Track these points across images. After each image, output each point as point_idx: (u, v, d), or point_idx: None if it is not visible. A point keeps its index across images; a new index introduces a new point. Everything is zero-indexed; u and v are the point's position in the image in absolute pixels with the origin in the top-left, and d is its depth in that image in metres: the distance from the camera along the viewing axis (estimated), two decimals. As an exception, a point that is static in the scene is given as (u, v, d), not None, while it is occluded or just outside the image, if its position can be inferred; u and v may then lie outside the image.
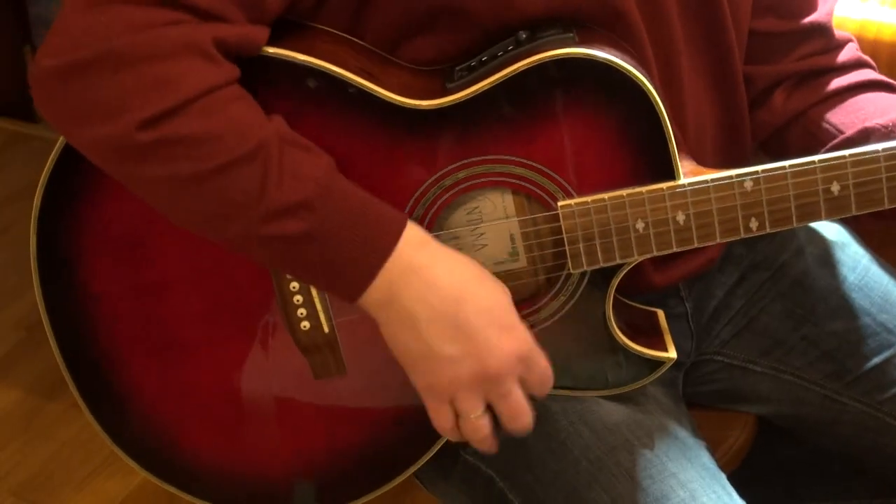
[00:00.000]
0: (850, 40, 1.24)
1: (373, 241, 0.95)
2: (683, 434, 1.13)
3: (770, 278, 1.27)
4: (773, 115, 1.23)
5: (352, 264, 0.96)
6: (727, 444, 1.29)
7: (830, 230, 1.30)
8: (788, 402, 1.27)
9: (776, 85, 1.23)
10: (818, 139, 1.19)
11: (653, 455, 1.07)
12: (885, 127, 1.14)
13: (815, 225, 1.30)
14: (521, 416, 1.01)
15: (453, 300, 0.97)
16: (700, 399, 1.30)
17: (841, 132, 1.17)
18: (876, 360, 1.22)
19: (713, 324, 1.28)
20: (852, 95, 1.20)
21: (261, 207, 0.93)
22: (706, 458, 1.11)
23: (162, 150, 0.92)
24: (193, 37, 0.92)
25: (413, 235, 0.97)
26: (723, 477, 1.11)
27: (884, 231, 1.42)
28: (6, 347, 2.20)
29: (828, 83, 1.21)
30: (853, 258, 1.27)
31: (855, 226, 1.32)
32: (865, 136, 1.15)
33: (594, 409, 1.11)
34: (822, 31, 1.22)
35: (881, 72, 1.25)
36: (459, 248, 1.06)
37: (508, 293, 1.01)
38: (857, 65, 1.22)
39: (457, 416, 1.01)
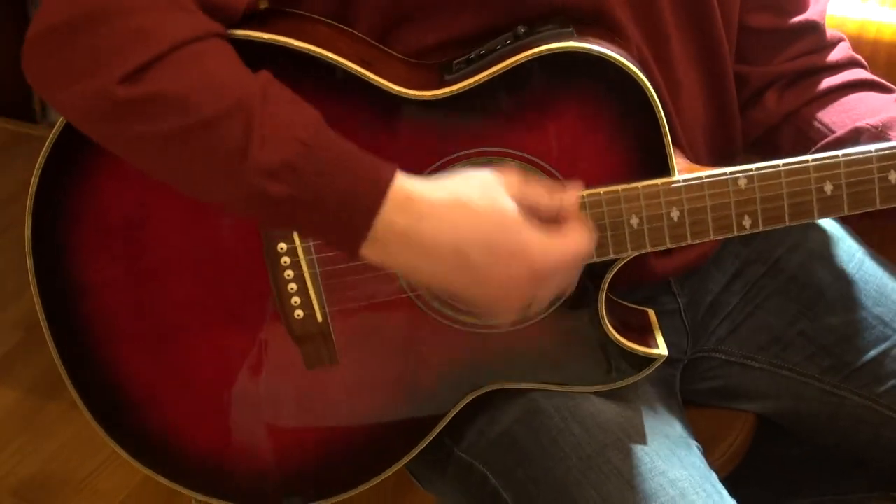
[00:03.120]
0: (842, 39, 1.24)
1: (354, 208, 0.92)
2: (674, 433, 1.13)
3: (766, 274, 1.27)
4: (767, 114, 1.23)
5: (340, 226, 0.93)
6: (726, 444, 1.29)
7: (825, 225, 1.30)
8: (787, 397, 1.27)
9: (769, 85, 1.23)
10: (809, 138, 1.19)
11: (643, 453, 1.07)
12: (875, 127, 1.14)
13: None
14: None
15: (454, 250, 0.93)
16: (698, 397, 1.30)
17: (832, 132, 1.18)
18: (873, 352, 1.22)
19: (709, 320, 1.27)
20: (844, 95, 1.20)
21: (244, 167, 0.90)
22: (696, 457, 1.11)
23: (142, 106, 0.91)
24: None
25: (397, 194, 0.92)
26: (713, 476, 1.10)
27: (882, 229, 1.43)
28: (6, 347, 2.19)
29: (819, 82, 1.21)
30: (848, 252, 1.27)
31: (855, 225, 1.31)
32: (856, 135, 1.15)
33: (586, 406, 1.11)
34: (814, 29, 1.22)
35: (881, 72, 1.25)
36: None
37: (506, 201, 0.95)
38: (850, 64, 1.22)
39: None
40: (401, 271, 0.98)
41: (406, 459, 1.14)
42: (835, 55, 1.22)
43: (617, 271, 1.07)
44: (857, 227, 1.32)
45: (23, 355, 2.17)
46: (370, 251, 0.94)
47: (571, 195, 0.99)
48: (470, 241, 0.94)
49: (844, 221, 1.32)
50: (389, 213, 0.92)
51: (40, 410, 2.07)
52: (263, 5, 1.05)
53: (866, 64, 1.24)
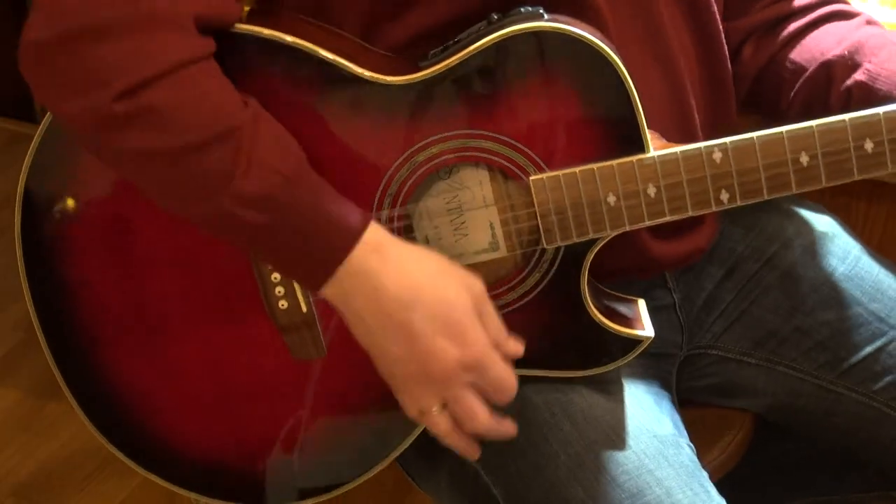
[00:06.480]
0: None
1: (329, 244, 0.96)
2: (664, 431, 1.12)
3: (760, 270, 1.26)
4: (746, 67, 1.24)
5: (308, 262, 0.97)
6: (724, 442, 1.29)
7: (820, 221, 1.29)
8: (783, 394, 1.26)
9: (745, 38, 1.24)
10: (787, 81, 1.20)
11: (630, 451, 1.07)
12: (843, 56, 1.15)
13: (804, 215, 1.29)
14: (473, 419, 1.01)
15: (402, 306, 0.97)
16: (696, 395, 1.30)
17: (805, 69, 1.18)
18: (868, 349, 1.21)
19: (704, 316, 1.27)
20: (812, 31, 1.21)
21: (227, 193, 0.94)
22: (685, 456, 1.10)
23: (136, 121, 0.93)
24: (173, 10, 0.93)
25: (371, 238, 0.97)
26: (703, 475, 1.10)
27: (883, 229, 1.42)
28: (6, 347, 2.21)
29: (790, 25, 1.22)
30: (843, 248, 1.26)
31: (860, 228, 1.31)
32: (826, 70, 1.17)
33: (576, 401, 1.10)
34: None
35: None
36: (440, 239, 1.06)
37: (475, 288, 1.00)
38: (820, 3, 1.23)
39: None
40: (348, 318, 1.00)
41: (399, 451, 1.13)
42: None
43: (610, 258, 1.07)
44: (859, 226, 1.32)
45: (23, 355, 2.18)
46: (331, 290, 0.98)
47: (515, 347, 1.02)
48: (426, 302, 0.97)
49: (845, 220, 1.31)
50: (360, 255, 0.96)
51: (40, 410, 2.08)
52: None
53: None
